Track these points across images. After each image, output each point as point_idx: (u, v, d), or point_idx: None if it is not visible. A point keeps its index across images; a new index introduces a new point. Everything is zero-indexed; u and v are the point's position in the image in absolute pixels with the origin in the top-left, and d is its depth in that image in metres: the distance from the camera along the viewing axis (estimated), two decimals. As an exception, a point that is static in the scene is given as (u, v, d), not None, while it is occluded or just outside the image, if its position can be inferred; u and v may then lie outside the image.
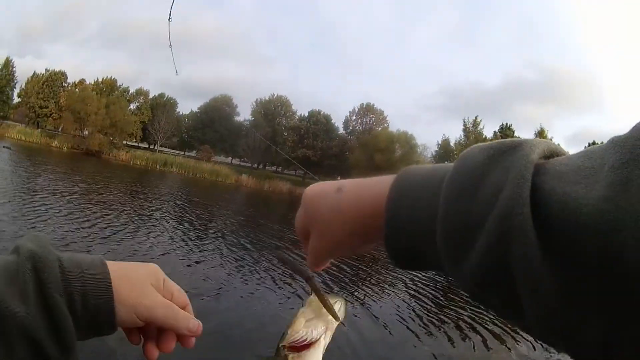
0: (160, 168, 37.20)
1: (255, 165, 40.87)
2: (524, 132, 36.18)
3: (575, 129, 73.29)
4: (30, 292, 0.37)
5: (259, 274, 8.96)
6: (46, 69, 45.98)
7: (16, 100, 49.78)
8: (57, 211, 11.23)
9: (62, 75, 47.25)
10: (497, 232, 0.24)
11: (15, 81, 48.58)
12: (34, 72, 47.34)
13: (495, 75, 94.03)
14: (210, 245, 11.64)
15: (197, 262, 9.19)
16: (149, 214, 14.64)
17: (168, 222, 13.79)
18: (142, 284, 0.44)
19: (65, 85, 46.73)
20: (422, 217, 0.30)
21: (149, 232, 11.61)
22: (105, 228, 10.50)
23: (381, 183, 0.35)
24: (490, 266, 0.25)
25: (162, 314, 0.44)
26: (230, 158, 42.61)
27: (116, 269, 0.43)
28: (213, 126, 40.42)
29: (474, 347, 6.52)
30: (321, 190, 0.40)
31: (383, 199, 0.33)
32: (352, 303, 7.79)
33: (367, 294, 8.76)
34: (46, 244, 0.41)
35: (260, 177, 36.55)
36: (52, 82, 45.76)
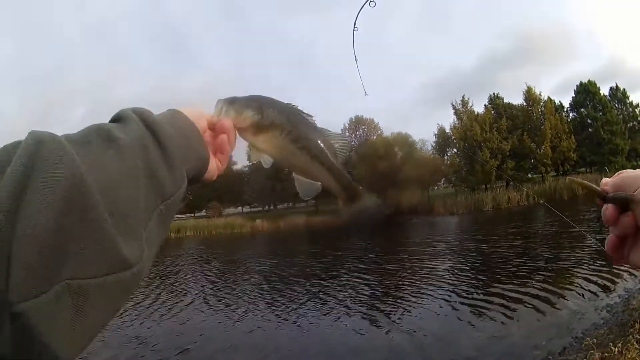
0: (174, 235, 37.16)
1: (267, 207, 40.77)
2: (514, 98, 36.00)
3: (562, 77, 72.96)
4: None
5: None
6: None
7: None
8: None
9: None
10: None
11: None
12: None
13: (472, 55, 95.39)
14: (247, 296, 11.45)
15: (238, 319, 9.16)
16: (178, 283, 14.50)
17: (199, 286, 13.62)
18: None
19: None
20: None
21: (185, 300, 11.54)
22: (141, 311, 10.32)
23: None
24: None
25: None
26: (240, 207, 42.60)
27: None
28: (214, 182, 40.45)
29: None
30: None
31: None
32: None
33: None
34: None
35: (274, 218, 36.42)
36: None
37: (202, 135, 0.61)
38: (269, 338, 7.67)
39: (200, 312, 9.87)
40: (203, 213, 42.17)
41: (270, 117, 0.70)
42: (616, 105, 34.32)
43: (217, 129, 0.66)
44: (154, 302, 11.16)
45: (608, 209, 0.54)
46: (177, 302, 10.94)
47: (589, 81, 34.40)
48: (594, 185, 0.58)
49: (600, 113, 32.66)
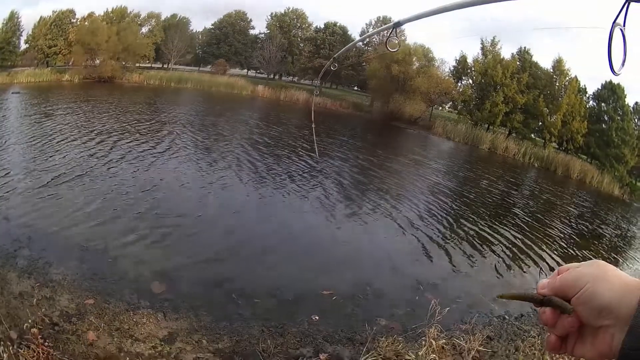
0: (174, 85, 36.67)
1: (272, 76, 40.13)
2: (541, 59, 35.13)
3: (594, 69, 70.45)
4: None
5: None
6: (53, 11, 45.34)
7: (23, 47, 49.06)
8: (74, 141, 10.83)
9: (70, 12, 46.43)
10: None
11: (22, 30, 47.85)
12: (41, 17, 46.58)
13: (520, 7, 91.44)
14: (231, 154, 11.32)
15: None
16: (164, 128, 14.48)
17: (191, 135, 13.52)
18: None
19: (74, 21, 46.03)
20: None
21: (173, 148, 11.39)
22: (129, 151, 10.40)
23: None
24: None
25: None
26: (245, 70, 41.96)
27: None
28: (227, 40, 39.68)
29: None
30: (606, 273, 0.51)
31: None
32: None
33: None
34: None
35: (276, 88, 35.89)
36: (60, 21, 44.98)
37: None
38: (234, 201, 7.71)
39: (177, 162, 9.86)
40: (208, 68, 41.38)
41: None
42: (635, 120, 34.10)
43: None
44: (130, 145, 10.94)
45: (546, 313, 0.54)
46: (156, 150, 10.79)
47: (617, 84, 33.70)
48: (529, 293, 0.56)
49: (619, 117, 32.31)
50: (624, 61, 0.68)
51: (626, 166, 30.67)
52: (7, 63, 47.01)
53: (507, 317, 5.25)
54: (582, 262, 0.54)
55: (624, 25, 0.67)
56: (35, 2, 78.95)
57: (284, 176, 10.09)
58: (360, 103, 36.18)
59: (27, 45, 47.19)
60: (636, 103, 34.28)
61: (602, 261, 0.52)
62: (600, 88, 34.86)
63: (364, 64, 37.21)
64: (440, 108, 41.45)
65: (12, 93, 25.35)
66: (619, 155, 30.96)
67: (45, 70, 39.78)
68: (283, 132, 17.50)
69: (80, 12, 45.29)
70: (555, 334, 0.53)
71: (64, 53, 42.96)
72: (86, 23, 42.84)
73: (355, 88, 41.73)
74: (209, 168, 9.86)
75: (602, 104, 34.52)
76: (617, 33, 0.66)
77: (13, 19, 47.75)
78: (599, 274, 0.50)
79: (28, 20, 50.57)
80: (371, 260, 6.24)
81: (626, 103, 33.71)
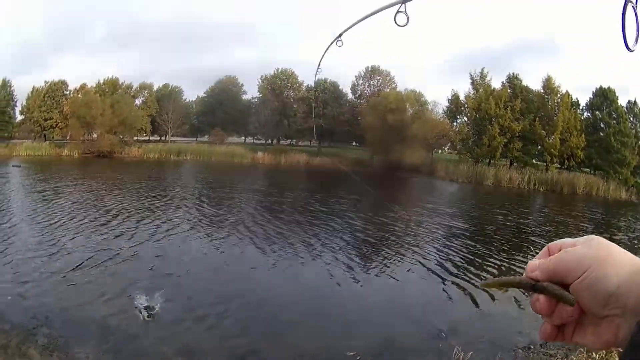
0: (174, 157, 37.01)
1: (270, 141, 40.58)
2: (531, 82, 35.52)
3: (582, 78, 71.40)
4: None
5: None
6: (45, 81, 45.61)
7: (19, 118, 49.41)
8: (81, 218, 10.92)
9: (63, 84, 46.57)
10: None
11: (16, 99, 48.15)
12: (33, 87, 46.82)
13: (500, 35, 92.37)
14: (234, 222, 11.35)
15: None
16: (173, 202, 14.35)
17: (194, 207, 13.56)
18: None
19: (67, 93, 46.29)
20: None
21: (177, 219, 11.37)
22: (144, 229, 10.15)
23: None
24: None
25: None
26: (243, 137, 42.45)
27: None
28: (222, 108, 40.24)
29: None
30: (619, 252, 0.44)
31: None
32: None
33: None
34: None
35: (276, 153, 36.32)
36: (53, 92, 45.21)
37: None
38: (248, 269, 7.65)
39: (185, 235, 9.76)
40: (205, 138, 41.79)
41: None
42: (631, 119, 34.44)
43: None
44: (140, 219, 11.02)
45: (540, 302, 0.46)
46: (163, 224, 10.79)
47: (608, 88, 34.17)
48: (518, 278, 0.48)
49: (615, 122, 32.78)
50: (637, 37, 0.67)
51: (629, 167, 31.00)
52: (4, 134, 47.39)
53: (532, 346, 5.20)
54: (577, 239, 0.47)
55: (637, 3, 0.67)
56: (28, 70, 79.34)
57: (301, 239, 10.06)
58: (360, 158, 36.60)
59: (22, 116, 47.60)
60: (629, 102, 34.28)
61: (602, 238, 0.46)
62: (592, 97, 35.21)
63: (359, 118, 37.62)
64: (440, 151, 41.82)
65: (13, 166, 25.63)
66: (620, 159, 31.12)
67: (44, 144, 40.14)
68: (292, 197, 17.56)
69: (72, 82, 45.54)
70: (551, 323, 0.47)
71: (60, 126, 43.27)
72: (79, 95, 43.20)
73: (354, 143, 42.17)
74: (226, 239, 9.78)
75: (597, 112, 34.84)
76: (629, 11, 0.68)
77: (6, 88, 48.14)
78: (603, 255, 0.43)
79: (21, 89, 50.70)
80: (392, 314, 6.16)
81: (619, 105, 34.01)
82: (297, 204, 15.60)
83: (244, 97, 41.40)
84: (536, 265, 0.47)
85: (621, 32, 0.68)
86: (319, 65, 2.48)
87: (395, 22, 1.31)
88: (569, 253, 0.45)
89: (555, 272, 0.45)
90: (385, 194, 21.32)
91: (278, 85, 39.71)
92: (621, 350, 0.40)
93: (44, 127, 44.17)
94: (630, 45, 0.67)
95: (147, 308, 5.65)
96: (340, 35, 2.07)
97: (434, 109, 39.34)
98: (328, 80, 38.58)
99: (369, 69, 38.84)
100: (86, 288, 6.29)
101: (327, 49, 2.29)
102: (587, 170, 33.72)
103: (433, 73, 75.60)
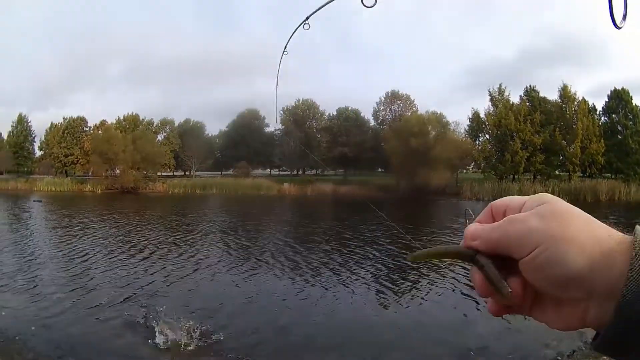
0: (200, 192, 37.19)
1: (295, 172, 40.67)
2: (548, 93, 35.71)
3: (597, 81, 71.69)
4: None
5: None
6: (63, 118, 46.11)
7: (38, 153, 49.97)
8: (108, 253, 10.90)
9: (82, 120, 47.27)
10: None
11: (34, 135, 48.74)
12: (52, 123, 47.38)
13: (512, 48, 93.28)
14: (268, 255, 11.18)
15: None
16: (202, 236, 14.22)
17: (223, 240, 13.49)
18: None
19: (87, 129, 46.79)
20: None
21: (206, 252, 11.28)
22: (165, 261, 10.08)
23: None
24: None
25: None
26: (268, 170, 42.55)
27: None
28: (245, 141, 40.45)
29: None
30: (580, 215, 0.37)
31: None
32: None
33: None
34: None
35: (302, 183, 36.38)
36: (72, 129, 45.77)
37: None
38: (277, 300, 7.56)
39: (216, 268, 9.66)
40: (230, 172, 41.97)
41: None
42: None
43: None
44: (168, 254, 10.95)
45: (475, 280, 0.38)
46: (192, 257, 10.72)
47: (622, 89, 34.28)
48: (452, 247, 0.41)
49: (631, 122, 32.72)
50: (624, 15, 0.64)
51: (648, 168, 30.78)
52: (24, 169, 47.87)
53: (559, 357, 5.14)
54: (525, 198, 0.39)
55: None
56: (45, 107, 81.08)
57: (330, 267, 10.04)
58: (386, 184, 36.61)
59: (41, 152, 48.07)
60: (644, 100, 35.07)
61: (557, 200, 0.38)
62: (607, 100, 35.14)
63: (382, 144, 37.72)
64: (465, 171, 41.78)
65: (34, 201, 25.89)
66: (639, 160, 31.25)
67: (66, 179, 40.52)
68: (319, 227, 17.33)
69: (90, 118, 46.02)
70: (499, 303, 0.39)
71: (82, 162, 43.72)
72: (100, 132, 43.65)
73: (379, 169, 42.20)
74: (256, 270, 9.77)
75: (613, 115, 34.94)
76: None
77: (22, 123, 48.71)
78: (558, 231, 0.35)
79: (39, 125, 51.30)
80: (423, 337, 6.18)
81: (634, 105, 34.02)
82: (326, 233, 15.42)
83: (267, 129, 41.72)
84: (477, 232, 0.39)
85: (608, 9, 0.64)
86: (285, 48, 2.41)
87: (363, 3, 1.27)
88: (514, 225, 0.37)
89: (498, 243, 0.37)
90: (414, 218, 21.26)
91: (300, 116, 39.94)
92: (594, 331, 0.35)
93: (64, 162, 44.63)
94: (617, 23, 0.63)
95: (176, 342, 5.54)
96: (307, 18, 2.05)
97: (456, 129, 39.35)
98: (349, 108, 38.83)
99: (389, 94, 39.04)
100: (113, 321, 6.21)
101: (293, 32, 2.26)
102: (609, 175, 33.68)
103: (451, 91, 76.20)
